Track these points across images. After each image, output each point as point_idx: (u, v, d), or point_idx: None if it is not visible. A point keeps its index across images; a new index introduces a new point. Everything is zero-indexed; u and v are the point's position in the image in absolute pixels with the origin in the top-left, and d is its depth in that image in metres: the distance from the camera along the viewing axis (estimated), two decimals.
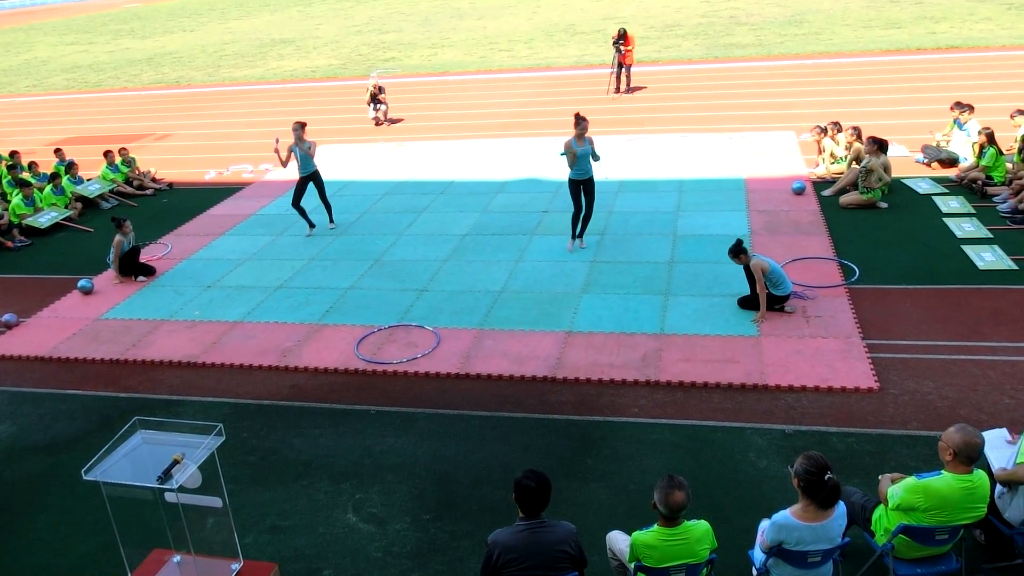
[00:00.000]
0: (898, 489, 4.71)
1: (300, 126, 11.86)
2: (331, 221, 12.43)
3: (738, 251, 8.58)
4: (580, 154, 10.16)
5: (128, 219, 11.14)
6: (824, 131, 13.09)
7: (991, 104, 14.88)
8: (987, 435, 5.28)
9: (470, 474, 6.61)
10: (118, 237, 10.92)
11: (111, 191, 15.03)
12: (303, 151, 11.76)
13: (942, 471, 4.68)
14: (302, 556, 5.89)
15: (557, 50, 26.93)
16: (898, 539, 4.73)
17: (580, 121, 10.12)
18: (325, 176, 12.31)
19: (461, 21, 36.63)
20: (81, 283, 10.86)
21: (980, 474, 4.67)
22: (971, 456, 4.57)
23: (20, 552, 6.14)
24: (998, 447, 5.25)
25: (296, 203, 11.98)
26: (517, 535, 4.41)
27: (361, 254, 11.32)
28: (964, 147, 12.65)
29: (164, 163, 17.18)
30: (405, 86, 23.14)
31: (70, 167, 15.08)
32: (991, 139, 11.74)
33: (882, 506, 4.90)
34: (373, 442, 7.14)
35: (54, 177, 14.48)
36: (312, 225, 12.23)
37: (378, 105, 18.86)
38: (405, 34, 34.09)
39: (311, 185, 12.02)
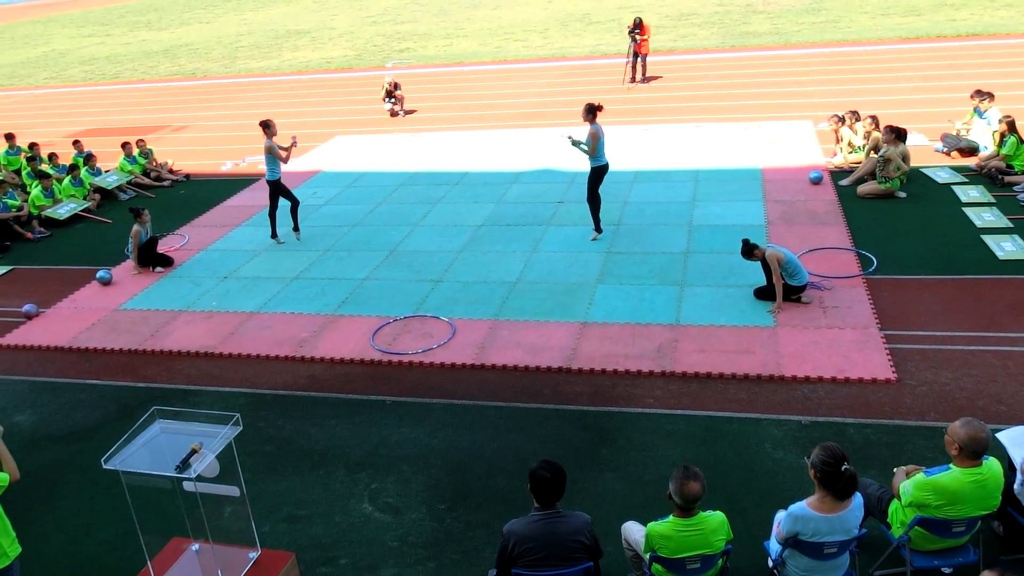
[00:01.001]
0: (908, 486, 4.69)
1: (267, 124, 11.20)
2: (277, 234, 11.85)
3: (749, 251, 8.51)
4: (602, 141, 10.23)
5: (146, 209, 11.21)
6: (842, 120, 12.98)
7: (1012, 92, 14.70)
8: (1011, 432, 5.23)
9: (485, 464, 6.62)
10: (136, 227, 11.00)
11: (129, 182, 15.14)
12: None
13: (951, 465, 4.64)
14: (319, 545, 5.93)
15: (572, 40, 26.82)
16: (915, 531, 4.71)
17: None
18: (340, 167, 12.18)
19: (476, 11, 36.54)
20: (100, 274, 10.95)
21: (990, 464, 4.61)
22: (977, 450, 4.52)
23: (41, 539, 6.23)
24: (1021, 444, 5.19)
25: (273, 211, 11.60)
26: (532, 525, 4.43)
27: (376, 245, 11.34)
28: (984, 136, 12.50)
29: (181, 154, 17.27)
30: (420, 77, 23.12)
31: (88, 159, 15.19)
32: (1012, 127, 11.60)
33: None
34: (389, 432, 7.18)
35: (73, 169, 14.60)
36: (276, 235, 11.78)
37: (393, 99, 18.87)
38: (420, 24, 34.05)
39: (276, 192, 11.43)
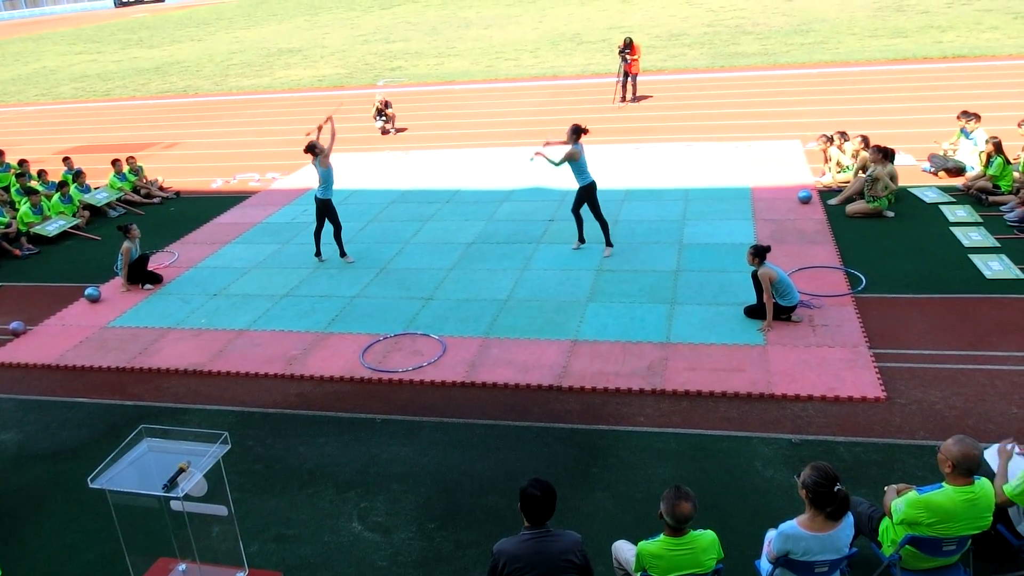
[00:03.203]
0: (900, 504, 4.69)
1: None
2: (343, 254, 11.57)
3: (762, 253, 8.42)
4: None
5: (134, 225, 11.17)
6: (830, 140, 13.10)
7: (998, 113, 14.85)
8: (995, 447, 5.25)
9: (475, 483, 6.59)
10: (126, 244, 10.95)
11: (118, 199, 15.10)
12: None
13: (943, 484, 4.65)
14: (307, 565, 5.88)
15: (563, 59, 26.99)
16: (905, 550, 4.71)
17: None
18: (334, 184, 12.12)
19: (467, 30, 36.76)
20: (88, 291, 10.89)
21: (982, 484, 4.63)
22: (970, 468, 4.53)
23: (26, 560, 6.15)
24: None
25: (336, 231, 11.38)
26: (522, 544, 4.40)
27: (367, 262, 11.33)
28: (971, 156, 12.63)
29: (171, 172, 17.24)
30: (411, 95, 23.21)
31: (78, 175, 15.14)
32: (998, 148, 11.71)
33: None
34: (378, 451, 7.14)
35: (62, 185, 14.56)
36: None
37: (385, 117, 18.92)
38: (412, 43, 34.22)
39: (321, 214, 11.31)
